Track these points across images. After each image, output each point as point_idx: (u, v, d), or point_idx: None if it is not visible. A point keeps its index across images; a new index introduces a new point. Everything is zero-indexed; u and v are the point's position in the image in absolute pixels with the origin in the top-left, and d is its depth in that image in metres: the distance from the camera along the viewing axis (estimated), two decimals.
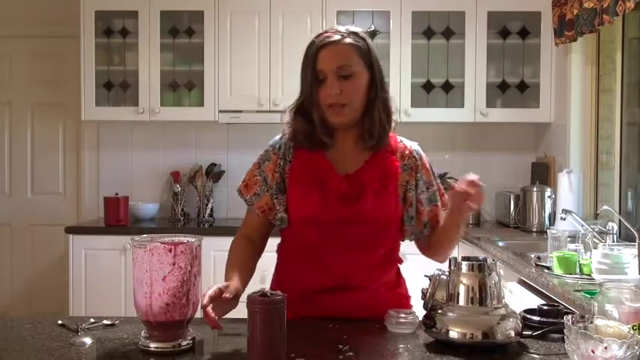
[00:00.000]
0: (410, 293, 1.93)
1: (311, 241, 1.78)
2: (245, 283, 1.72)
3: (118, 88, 4.26)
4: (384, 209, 1.77)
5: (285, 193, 1.82)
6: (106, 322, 1.67)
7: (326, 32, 1.80)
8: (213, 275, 3.50)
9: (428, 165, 1.88)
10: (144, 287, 1.45)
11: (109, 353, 1.46)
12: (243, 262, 1.79)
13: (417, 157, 1.87)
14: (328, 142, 1.81)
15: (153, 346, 1.46)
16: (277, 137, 1.90)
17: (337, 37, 1.77)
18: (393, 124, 1.85)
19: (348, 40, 1.77)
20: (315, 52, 1.76)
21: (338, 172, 1.80)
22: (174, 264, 1.44)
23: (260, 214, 1.85)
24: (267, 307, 1.35)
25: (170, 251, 1.44)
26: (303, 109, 1.81)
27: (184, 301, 1.46)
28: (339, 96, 1.74)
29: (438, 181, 1.90)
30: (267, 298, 1.35)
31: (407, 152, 1.86)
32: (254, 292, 1.38)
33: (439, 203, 1.87)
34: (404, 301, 1.89)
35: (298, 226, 1.80)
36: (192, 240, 1.49)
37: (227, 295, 1.56)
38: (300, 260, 1.81)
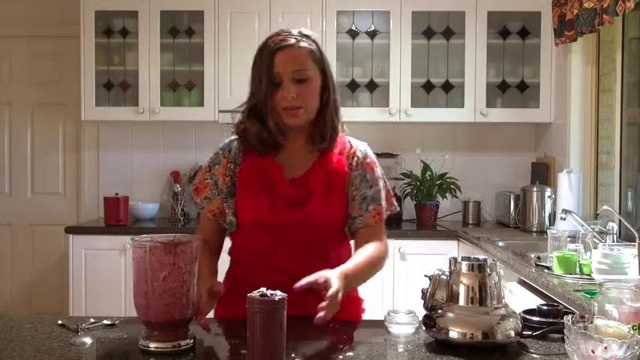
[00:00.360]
0: (361, 296, 1.93)
1: (261, 245, 1.79)
2: None
3: (118, 88, 4.26)
4: (330, 212, 1.78)
5: (234, 196, 1.83)
6: (106, 322, 1.66)
7: (279, 35, 1.80)
8: None
9: (373, 165, 1.88)
10: (144, 287, 1.45)
11: (109, 353, 1.46)
12: (205, 265, 1.77)
13: (361, 155, 1.87)
14: (282, 143, 1.81)
15: (153, 346, 1.46)
16: (227, 140, 1.90)
17: (292, 40, 1.77)
18: (340, 125, 1.87)
19: (303, 43, 1.78)
20: (270, 54, 1.76)
21: (285, 176, 1.80)
22: (174, 264, 1.44)
23: (211, 217, 1.86)
24: (267, 307, 1.34)
25: (170, 251, 1.44)
26: (257, 111, 1.81)
27: (184, 301, 1.46)
28: (295, 99, 1.75)
29: (387, 183, 1.91)
30: (267, 298, 1.35)
31: (352, 151, 1.87)
32: (254, 292, 1.38)
33: (383, 203, 1.86)
34: (358, 304, 1.91)
35: (247, 230, 1.81)
36: (192, 240, 1.49)
37: (218, 289, 1.61)
38: (253, 263, 1.81)
